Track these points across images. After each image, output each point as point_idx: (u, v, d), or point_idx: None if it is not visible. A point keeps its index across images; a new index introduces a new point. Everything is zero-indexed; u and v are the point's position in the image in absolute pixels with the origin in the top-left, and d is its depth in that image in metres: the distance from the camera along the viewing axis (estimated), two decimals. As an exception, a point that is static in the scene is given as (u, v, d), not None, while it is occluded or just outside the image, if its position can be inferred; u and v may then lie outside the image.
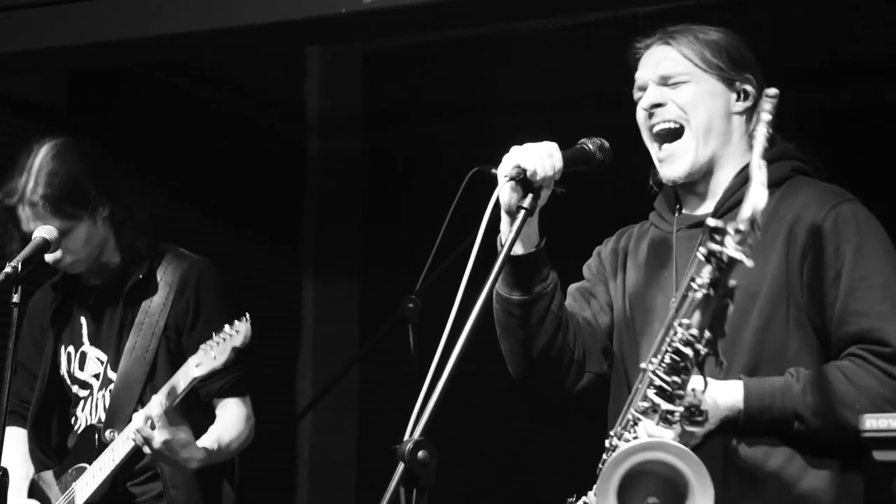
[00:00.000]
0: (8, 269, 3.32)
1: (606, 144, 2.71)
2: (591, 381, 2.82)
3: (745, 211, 2.22)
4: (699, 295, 2.25)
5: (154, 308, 3.56)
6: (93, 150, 3.61)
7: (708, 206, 2.75)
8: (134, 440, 3.32)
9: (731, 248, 2.21)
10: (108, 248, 3.60)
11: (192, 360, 3.29)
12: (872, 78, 4.72)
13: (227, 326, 3.24)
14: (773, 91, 2.40)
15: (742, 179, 2.65)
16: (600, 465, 2.51)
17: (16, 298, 3.30)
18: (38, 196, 3.45)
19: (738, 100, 2.74)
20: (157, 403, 3.29)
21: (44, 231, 3.47)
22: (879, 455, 2.26)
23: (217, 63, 5.57)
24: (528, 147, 2.59)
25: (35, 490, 3.65)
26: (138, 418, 3.29)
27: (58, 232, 3.48)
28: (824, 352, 2.61)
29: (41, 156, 3.50)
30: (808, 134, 4.76)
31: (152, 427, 3.26)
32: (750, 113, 2.74)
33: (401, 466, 2.15)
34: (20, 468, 3.67)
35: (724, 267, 2.21)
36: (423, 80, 5.69)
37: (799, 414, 2.53)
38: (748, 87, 2.74)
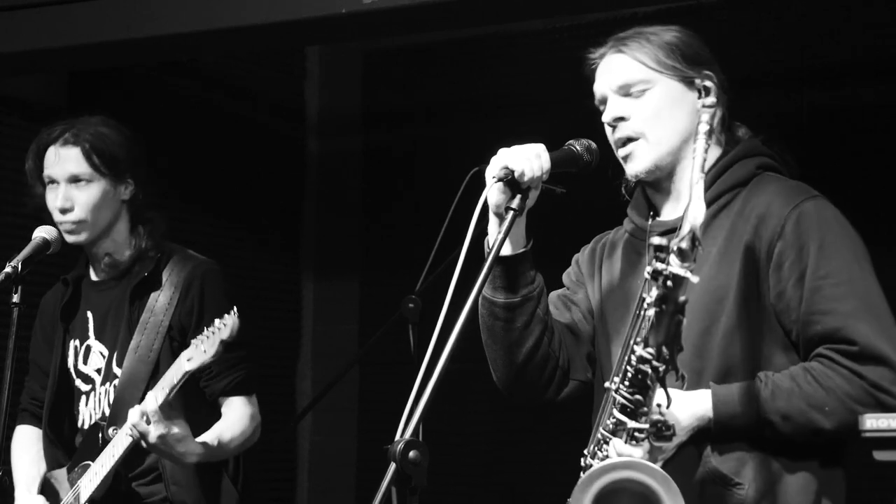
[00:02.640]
0: (8, 269, 3.35)
1: (594, 146, 2.70)
2: (576, 388, 2.82)
3: (684, 228, 2.21)
4: (650, 313, 2.24)
5: (159, 308, 3.57)
6: (137, 138, 3.72)
7: (679, 210, 2.70)
8: (131, 435, 3.34)
9: (674, 266, 2.20)
10: (118, 232, 3.62)
11: (184, 355, 3.30)
12: (875, 77, 4.72)
13: (216, 320, 3.26)
14: (709, 101, 2.39)
15: (712, 178, 2.63)
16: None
17: (16, 298, 3.32)
18: (78, 138, 3.56)
19: (700, 97, 2.69)
20: (152, 399, 3.31)
21: (44, 231, 3.52)
22: (879, 455, 2.25)
23: (217, 63, 5.57)
24: (516, 148, 2.59)
25: (47, 488, 3.66)
26: (134, 414, 3.31)
27: (58, 232, 3.52)
28: (796, 353, 2.59)
29: (87, 118, 3.65)
30: (813, 132, 4.75)
31: (147, 422, 3.28)
32: (713, 109, 2.69)
33: (392, 466, 2.15)
34: (31, 467, 3.69)
35: (671, 285, 2.21)
36: (423, 80, 5.69)
37: (769, 419, 2.51)
38: (708, 84, 2.70)
